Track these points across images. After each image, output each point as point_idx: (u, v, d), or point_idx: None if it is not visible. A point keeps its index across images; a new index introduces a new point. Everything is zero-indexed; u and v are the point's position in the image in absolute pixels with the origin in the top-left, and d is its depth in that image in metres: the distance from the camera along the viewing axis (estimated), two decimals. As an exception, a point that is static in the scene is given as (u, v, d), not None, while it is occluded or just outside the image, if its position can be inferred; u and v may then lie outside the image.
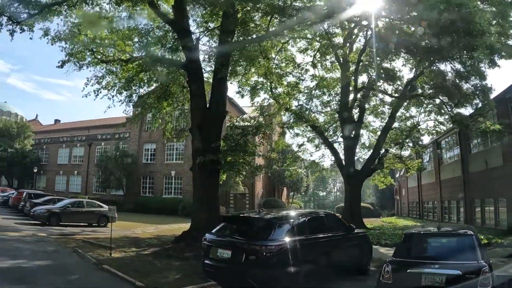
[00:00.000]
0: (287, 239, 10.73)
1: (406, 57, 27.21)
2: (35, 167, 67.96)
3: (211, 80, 23.88)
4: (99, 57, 25.20)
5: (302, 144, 40.50)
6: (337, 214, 23.86)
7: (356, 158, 38.72)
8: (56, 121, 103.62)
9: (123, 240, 21.36)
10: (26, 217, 32.69)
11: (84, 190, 64.11)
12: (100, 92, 25.55)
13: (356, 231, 14.65)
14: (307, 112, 35.76)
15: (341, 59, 32.41)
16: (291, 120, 36.21)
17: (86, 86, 25.77)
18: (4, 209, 42.00)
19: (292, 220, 11.84)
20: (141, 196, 56.33)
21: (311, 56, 32.42)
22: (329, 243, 12.71)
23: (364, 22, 25.91)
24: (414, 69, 30.03)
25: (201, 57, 23.98)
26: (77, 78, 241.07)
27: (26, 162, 68.98)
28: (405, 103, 34.32)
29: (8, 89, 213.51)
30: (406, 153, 43.84)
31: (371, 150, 36.59)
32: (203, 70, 24.19)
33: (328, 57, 32.53)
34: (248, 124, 25.27)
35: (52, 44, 23.60)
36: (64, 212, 29.83)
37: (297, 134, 39.29)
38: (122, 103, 27.12)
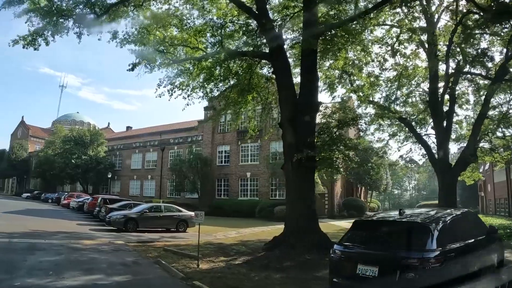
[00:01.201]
0: (447, 247, 8.53)
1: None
2: (109, 172, 69.41)
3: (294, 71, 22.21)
4: (170, 57, 24.15)
5: (388, 139, 37.80)
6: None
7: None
8: (128, 128, 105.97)
9: (208, 247, 19.57)
10: (102, 222, 32.09)
11: (158, 194, 63.68)
12: (174, 92, 24.38)
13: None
14: (392, 104, 33.30)
15: (426, 44, 29.82)
16: (373, 114, 33.79)
17: (159, 87, 24.22)
18: (79, 215, 42.07)
19: (445, 223, 9.34)
20: (216, 199, 55.38)
21: (388, 44, 29.99)
22: (477, 248, 10.11)
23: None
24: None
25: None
26: (145, 87, 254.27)
27: (100, 168, 71.22)
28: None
29: (81, 101, 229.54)
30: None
31: (464, 142, 33.83)
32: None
33: (407, 44, 29.99)
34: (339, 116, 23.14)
35: (121, 47, 22.72)
36: (141, 218, 28.63)
37: (379, 129, 36.72)
38: (202, 98, 26.14)
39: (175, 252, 18.17)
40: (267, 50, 22.41)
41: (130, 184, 72.86)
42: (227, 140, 57.67)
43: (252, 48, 23.04)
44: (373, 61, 28.78)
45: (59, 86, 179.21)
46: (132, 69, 22.81)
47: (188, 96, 24.73)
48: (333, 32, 20.62)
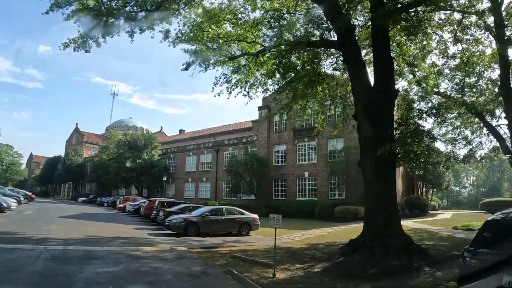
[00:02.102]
0: None
1: None
2: (164, 175, 69.85)
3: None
4: (224, 54, 23.39)
5: (458, 132, 35.36)
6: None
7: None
8: (181, 131, 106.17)
9: (278, 253, 17.81)
10: (160, 226, 31.28)
11: (213, 196, 63.32)
12: (233, 89, 23.72)
13: None
14: (461, 94, 31.06)
15: (493, 27, 27.42)
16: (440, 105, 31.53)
17: (215, 86, 23.63)
18: (135, 218, 41.41)
19: None
20: (273, 199, 53.78)
21: (448, 32, 27.76)
22: None
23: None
24: None
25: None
26: (195, 92, 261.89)
27: (155, 171, 71.38)
28: None
29: (132, 108, 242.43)
30: None
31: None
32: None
33: (472, 28, 27.68)
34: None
35: (174, 46, 22.75)
36: (202, 221, 27.35)
37: (443, 122, 34.27)
38: (264, 92, 25.07)
39: (244, 259, 16.66)
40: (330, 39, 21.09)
41: (185, 187, 72.22)
42: (283, 140, 56.13)
43: (315, 38, 21.45)
44: (436, 49, 26.66)
45: (110, 94, 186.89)
46: (186, 69, 22.49)
47: (248, 93, 23.98)
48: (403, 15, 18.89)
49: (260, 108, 59.36)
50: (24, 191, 74.91)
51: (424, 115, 18.94)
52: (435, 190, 69.53)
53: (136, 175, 72.48)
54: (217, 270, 14.91)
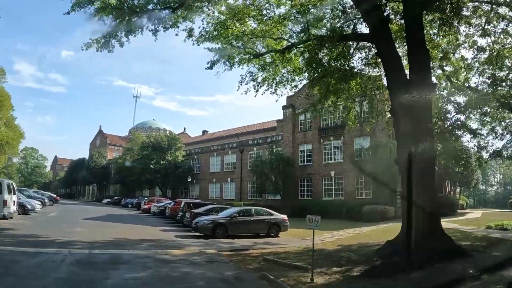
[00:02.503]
0: None
1: None
2: (189, 176, 69.53)
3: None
4: (250, 52, 23.08)
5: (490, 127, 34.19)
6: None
7: None
8: (204, 132, 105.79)
9: (310, 255, 17.13)
10: (186, 228, 30.70)
11: (238, 197, 63.01)
12: (260, 87, 23.37)
13: None
14: (491, 88, 29.91)
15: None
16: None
17: (241, 85, 23.40)
18: (160, 220, 40.96)
19: None
20: (299, 199, 53.24)
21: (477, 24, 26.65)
22: None
23: None
24: None
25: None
26: (217, 93, 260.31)
27: (179, 173, 71.38)
28: None
29: (155, 110, 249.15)
30: None
31: None
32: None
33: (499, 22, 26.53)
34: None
35: (198, 45, 22.55)
36: (231, 223, 26.54)
37: (484, 115, 33.07)
38: (293, 88, 24.57)
39: (278, 263, 15.78)
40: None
41: (209, 187, 72.04)
42: (308, 139, 55.46)
43: (346, 31, 20.67)
44: (464, 42, 25.66)
45: (133, 97, 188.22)
46: (211, 67, 22.40)
47: (275, 91, 23.55)
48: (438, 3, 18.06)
49: (284, 107, 58.74)
50: (49, 193, 75.35)
51: (463, 109, 18.08)
52: (461, 188, 68.12)
53: (160, 176, 72.34)
54: (250, 274, 14.08)
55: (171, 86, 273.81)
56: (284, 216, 28.42)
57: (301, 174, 54.74)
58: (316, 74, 21.42)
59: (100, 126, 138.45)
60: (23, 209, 35.74)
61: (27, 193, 52.18)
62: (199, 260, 16.67)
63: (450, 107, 18.67)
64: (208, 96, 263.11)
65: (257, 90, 23.32)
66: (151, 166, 71.73)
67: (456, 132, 17.04)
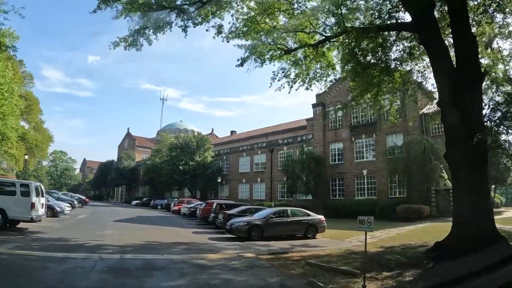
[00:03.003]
0: None
1: None
2: (219, 177, 69.62)
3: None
4: (281, 48, 22.41)
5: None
6: None
7: None
8: (232, 132, 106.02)
9: (354, 258, 16.24)
10: (218, 229, 30.12)
11: (268, 197, 62.20)
12: (294, 83, 22.69)
13: None
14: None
15: None
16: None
17: (273, 81, 22.72)
18: (191, 221, 40.34)
19: None
20: (330, 199, 52.27)
21: None
22: None
23: None
24: None
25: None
26: (244, 94, 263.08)
27: (208, 173, 71.06)
28: None
29: (182, 112, 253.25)
30: None
31: None
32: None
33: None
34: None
35: (228, 42, 22.17)
36: (266, 224, 25.59)
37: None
38: (328, 82, 24.30)
39: (322, 267, 14.71)
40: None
41: (239, 188, 71.23)
42: (339, 137, 54.31)
43: (381, 20, 19.61)
44: (500, 33, 24.39)
45: (160, 99, 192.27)
46: (242, 64, 22.01)
47: (310, 86, 23.03)
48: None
49: (314, 106, 57.92)
50: (78, 195, 76.24)
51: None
52: (495, 186, 66.25)
53: (189, 177, 72.09)
54: (296, 281, 12.99)
55: (197, 88, 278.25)
56: (321, 217, 27.51)
57: (333, 174, 53.62)
58: (356, 67, 20.48)
59: (128, 129, 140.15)
60: (52, 212, 35.55)
61: (56, 195, 52.28)
62: (239, 265, 15.65)
63: (499, 98, 17.39)
64: (235, 97, 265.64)
65: (291, 86, 22.71)
66: (180, 167, 71.69)
67: (508, 124, 15.74)
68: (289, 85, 22.64)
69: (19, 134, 54.42)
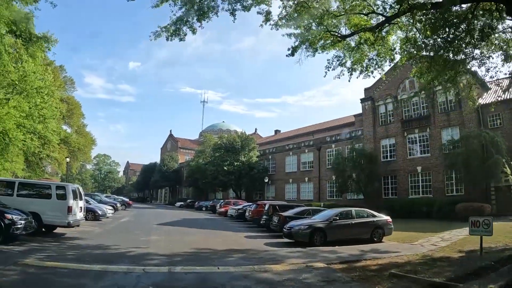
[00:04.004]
0: None
1: None
2: (266, 177, 68.23)
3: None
4: (334, 35, 20.76)
5: None
6: None
7: None
8: (276, 131, 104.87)
9: (440, 265, 13.88)
10: (272, 232, 28.39)
11: (316, 197, 60.59)
12: (354, 71, 21.19)
13: None
14: None
15: None
16: None
17: (328, 70, 21.37)
18: (241, 224, 38.33)
19: None
20: (383, 198, 49.66)
21: None
22: None
23: None
24: None
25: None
26: (284, 94, 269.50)
27: (254, 173, 70.12)
28: None
29: (223, 114, 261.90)
30: None
31: None
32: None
33: None
34: None
35: (277, 29, 20.35)
36: (329, 227, 23.15)
37: None
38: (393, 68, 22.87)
39: (413, 280, 11.99)
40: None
41: (286, 188, 69.42)
42: (390, 132, 51.73)
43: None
44: None
45: (200, 102, 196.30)
46: (292, 54, 20.42)
47: (372, 73, 21.44)
48: None
49: (363, 100, 55.69)
50: (121, 197, 76.38)
51: None
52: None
53: (234, 178, 70.94)
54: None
55: (238, 90, 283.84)
56: (388, 218, 25.16)
57: (385, 171, 50.96)
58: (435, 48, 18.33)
59: (171, 131, 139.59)
60: (93, 215, 34.72)
61: (98, 198, 51.67)
62: (313, 280, 12.96)
63: None
64: (275, 98, 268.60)
65: (351, 74, 21.11)
66: (225, 168, 70.54)
67: None
68: (348, 72, 21.11)
69: (61, 137, 55.17)
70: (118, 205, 53.85)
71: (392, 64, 22.14)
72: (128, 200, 72.09)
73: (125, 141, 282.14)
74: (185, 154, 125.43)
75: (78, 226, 25.08)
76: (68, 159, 60.12)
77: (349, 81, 22.56)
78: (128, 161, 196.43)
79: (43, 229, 22.72)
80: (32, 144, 38.67)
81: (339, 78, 21.77)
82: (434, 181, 45.64)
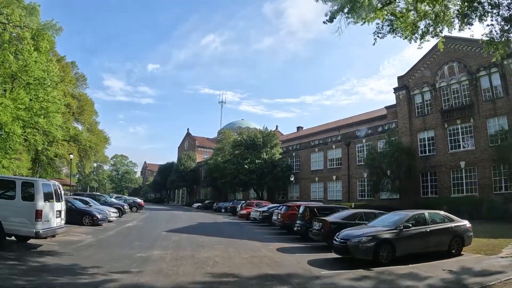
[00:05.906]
0: None
1: None
2: (291, 175, 65.02)
3: None
4: None
5: None
6: None
7: None
8: (299, 128, 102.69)
9: None
10: (310, 242, 23.19)
11: (346, 197, 56.04)
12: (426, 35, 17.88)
13: None
14: None
15: None
16: None
17: (378, 37, 18.27)
18: (267, 230, 32.60)
19: None
20: (421, 197, 44.88)
21: None
22: None
23: None
24: None
25: None
26: (303, 94, 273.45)
27: (277, 172, 66.57)
28: None
29: (241, 114, 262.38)
30: None
31: None
32: None
33: None
34: None
35: None
36: (399, 237, 17.07)
37: None
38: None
39: None
40: None
41: (311, 187, 65.11)
42: (429, 124, 46.62)
43: None
44: None
45: (218, 103, 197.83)
46: (331, 20, 17.50)
47: (440, 32, 18.09)
48: None
49: (396, 90, 50.80)
50: (133, 198, 73.81)
51: None
52: None
53: (256, 177, 66.72)
54: None
55: (257, 90, 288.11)
56: (467, 223, 19.26)
57: (423, 167, 46.04)
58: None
59: (188, 129, 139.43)
60: (91, 220, 30.69)
61: (103, 199, 47.73)
62: None
63: None
64: (294, 98, 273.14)
65: (413, 32, 17.94)
66: (246, 166, 66.56)
67: None
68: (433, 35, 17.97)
69: (70, 134, 55.07)
70: (126, 207, 48.31)
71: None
72: (140, 201, 67.34)
73: (144, 143, 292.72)
74: (202, 153, 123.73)
75: (53, 236, 19.21)
76: (71, 156, 56.06)
77: (415, 43, 18.19)
78: (145, 161, 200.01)
79: (13, 239, 17.99)
80: (35, 139, 37.08)
81: (409, 38, 18.10)
82: (480, 178, 40.47)
